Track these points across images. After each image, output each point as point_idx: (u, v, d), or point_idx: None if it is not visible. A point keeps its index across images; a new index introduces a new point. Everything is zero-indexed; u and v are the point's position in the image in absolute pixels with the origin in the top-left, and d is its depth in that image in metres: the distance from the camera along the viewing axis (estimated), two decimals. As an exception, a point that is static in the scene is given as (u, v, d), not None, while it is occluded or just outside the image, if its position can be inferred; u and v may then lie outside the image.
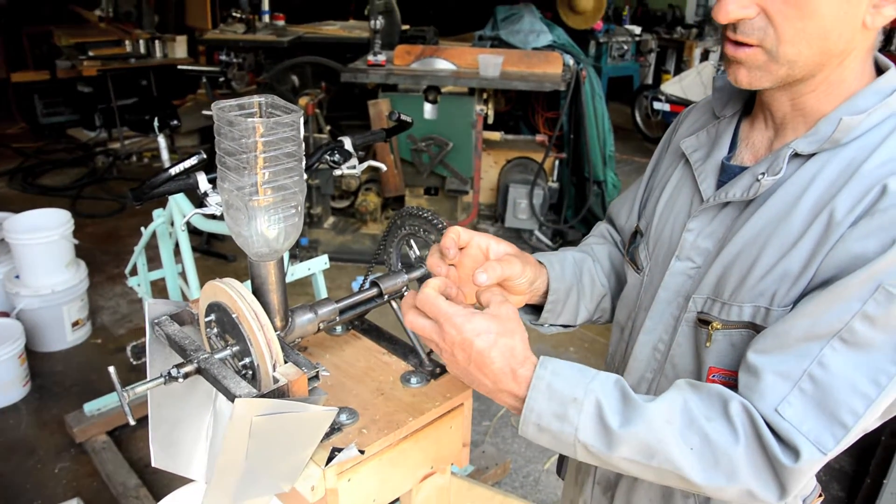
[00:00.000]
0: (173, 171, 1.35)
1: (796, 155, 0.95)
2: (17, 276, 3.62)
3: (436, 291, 1.00)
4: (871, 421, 0.86)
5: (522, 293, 1.19)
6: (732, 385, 0.97)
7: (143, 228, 2.87)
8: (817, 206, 0.91)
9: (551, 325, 1.31)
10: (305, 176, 1.14)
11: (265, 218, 1.11)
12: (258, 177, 1.07)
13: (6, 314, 3.62)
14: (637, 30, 8.01)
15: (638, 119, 7.54)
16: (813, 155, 0.95)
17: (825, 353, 0.85)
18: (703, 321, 1.04)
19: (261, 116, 1.12)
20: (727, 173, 1.06)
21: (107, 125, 6.84)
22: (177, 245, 2.75)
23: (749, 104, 1.11)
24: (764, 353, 0.90)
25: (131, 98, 6.84)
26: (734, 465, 0.87)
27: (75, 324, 3.75)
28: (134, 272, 3.14)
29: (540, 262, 1.22)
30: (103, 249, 4.83)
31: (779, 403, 0.86)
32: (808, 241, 0.91)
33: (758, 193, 0.97)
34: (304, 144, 1.10)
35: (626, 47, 7.75)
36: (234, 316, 1.14)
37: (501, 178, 4.75)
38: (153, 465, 1.32)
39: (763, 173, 0.97)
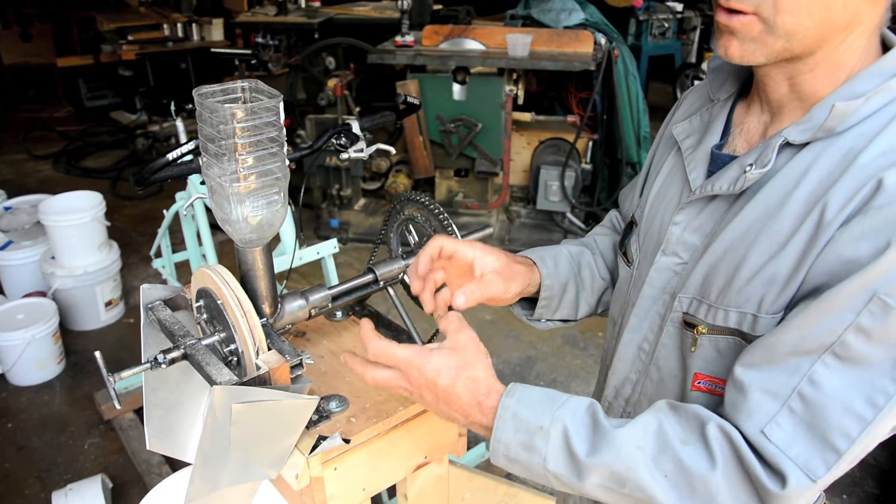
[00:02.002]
0: (170, 156, 1.34)
1: (788, 144, 0.87)
2: (53, 257, 3.70)
3: (385, 340, 0.97)
4: (868, 444, 0.78)
5: (510, 302, 1.18)
6: (720, 393, 0.92)
7: (165, 211, 2.90)
8: (809, 201, 0.83)
9: (548, 320, 1.28)
10: (288, 162, 1.13)
11: (248, 204, 1.10)
12: (238, 163, 1.06)
13: (42, 293, 3.71)
14: (679, 6, 7.79)
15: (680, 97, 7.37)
16: (807, 144, 0.86)
17: (817, 369, 0.78)
18: (688, 323, 0.98)
19: (244, 102, 1.11)
20: (717, 162, 0.99)
21: (147, 108, 6.95)
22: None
23: (747, 86, 1.04)
24: (751, 367, 0.83)
25: (170, 80, 6.93)
26: (711, 492, 0.81)
27: (108, 303, 3.83)
28: (159, 254, 3.18)
29: (533, 260, 1.20)
30: (140, 231, 4.92)
31: (766, 424, 0.80)
32: (797, 241, 0.83)
33: (744, 187, 0.90)
34: (284, 130, 1.08)
35: (667, 25, 7.55)
36: (219, 302, 1.14)
37: (534, 160, 4.69)
38: (148, 448, 1.33)
39: (751, 164, 0.89)
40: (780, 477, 0.78)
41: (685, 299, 0.98)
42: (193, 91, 1.09)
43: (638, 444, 0.84)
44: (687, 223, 1.00)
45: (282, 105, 1.08)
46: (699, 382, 0.98)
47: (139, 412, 3.07)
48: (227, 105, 1.04)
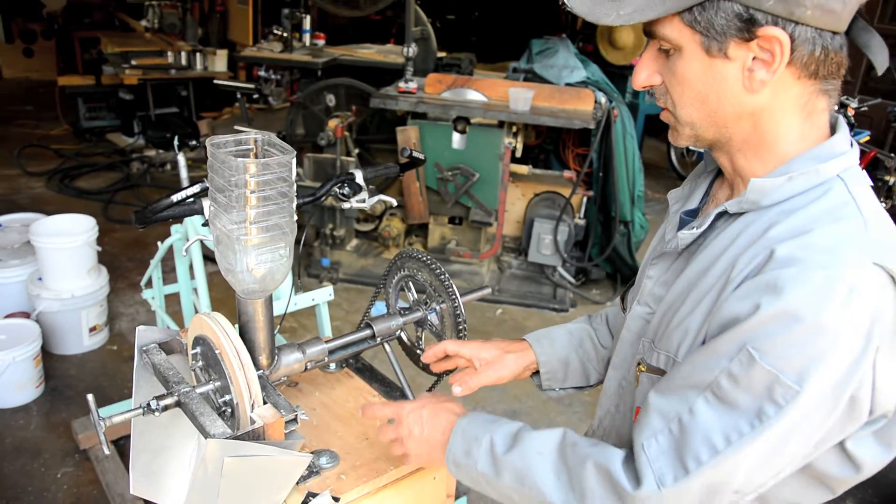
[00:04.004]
0: (175, 197, 1.35)
1: (728, 214, 0.99)
2: (40, 279, 3.67)
3: (380, 405, 1.24)
4: (722, 471, 0.87)
5: (508, 381, 1.36)
6: None
7: (159, 243, 2.89)
8: (729, 264, 0.93)
9: (561, 388, 1.41)
10: (296, 217, 1.14)
11: (253, 256, 1.10)
12: (248, 215, 1.06)
13: (26, 314, 3.67)
14: (677, 68, 7.94)
15: (673, 158, 7.47)
16: (742, 215, 0.97)
17: (698, 401, 0.89)
18: (639, 363, 1.10)
19: (256, 154, 1.12)
20: (683, 225, 1.10)
21: (149, 140, 6.97)
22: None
23: None
24: (658, 392, 0.95)
25: (170, 107, 6.96)
26: (585, 489, 0.95)
27: (93, 329, 3.79)
28: (150, 284, 3.16)
29: (529, 342, 1.39)
30: (129, 256, 4.89)
31: (647, 439, 0.92)
32: (710, 298, 0.94)
33: (680, 246, 1.04)
34: (295, 185, 1.09)
35: (664, 85, 7.69)
36: (216, 352, 1.13)
37: (528, 212, 4.73)
38: (131, 491, 1.32)
39: (695, 227, 1.02)
40: (637, 481, 0.91)
41: (646, 342, 1.09)
42: (207, 141, 1.10)
43: (539, 450, 1.02)
44: (658, 277, 1.11)
45: (294, 161, 1.09)
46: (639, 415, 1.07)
47: (116, 442, 3.02)
48: (240, 159, 1.05)
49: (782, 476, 0.90)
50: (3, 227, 4.08)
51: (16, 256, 3.85)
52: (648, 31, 0.95)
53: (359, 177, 1.77)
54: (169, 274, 3.27)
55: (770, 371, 0.83)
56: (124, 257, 4.87)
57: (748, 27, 0.87)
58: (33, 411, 3.33)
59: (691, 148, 1.21)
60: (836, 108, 0.98)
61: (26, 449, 3.08)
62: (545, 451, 1.01)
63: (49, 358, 3.63)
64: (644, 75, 0.98)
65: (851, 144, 0.97)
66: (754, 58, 0.89)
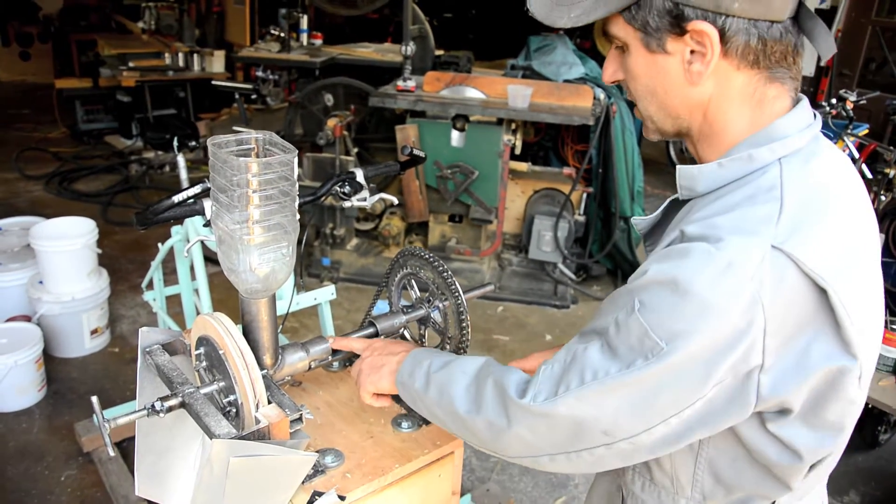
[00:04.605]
0: (176, 198, 1.34)
1: (679, 201, 1.06)
2: (41, 282, 3.67)
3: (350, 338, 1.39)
4: (590, 408, 0.93)
5: None
6: None
7: (160, 245, 2.89)
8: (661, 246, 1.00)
9: None
10: (298, 216, 1.13)
11: (256, 256, 1.10)
12: (250, 215, 1.06)
13: (27, 318, 3.67)
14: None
15: (672, 153, 7.48)
16: (688, 201, 1.03)
17: (594, 344, 0.96)
18: None
19: (258, 154, 1.12)
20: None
21: (148, 141, 6.96)
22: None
23: None
24: (578, 333, 1.03)
25: (168, 109, 6.95)
26: (482, 398, 1.05)
27: (94, 332, 3.79)
28: (151, 286, 3.16)
29: None
30: (129, 258, 4.89)
31: (547, 363, 1.01)
32: None
33: (640, 232, 1.16)
34: (297, 184, 1.09)
35: (662, 81, 7.69)
36: (220, 352, 1.13)
37: (528, 209, 4.72)
38: (137, 493, 1.31)
39: (650, 215, 1.14)
40: (522, 393, 1.00)
41: None
42: (208, 141, 1.10)
43: (463, 369, 1.12)
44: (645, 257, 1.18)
45: (296, 160, 1.09)
46: None
47: (119, 444, 3.02)
48: (242, 159, 1.05)
49: (658, 435, 0.92)
50: (2, 231, 4.08)
51: (16, 260, 3.85)
52: (604, 31, 1.00)
53: (359, 175, 1.77)
54: (170, 275, 3.26)
55: (643, 325, 0.89)
56: (124, 259, 4.87)
57: (678, 22, 0.91)
58: (36, 415, 3.33)
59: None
60: (796, 92, 0.99)
61: (30, 452, 3.08)
62: (467, 370, 1.11)
63: (51, 361, 3.63)
64: (609, 71, 1.04)
65: (811, 125, 0.98)
66: (692, 51, 0.93)
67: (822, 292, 0.86)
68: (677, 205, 1.07)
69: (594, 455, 0.96)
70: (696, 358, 0.86)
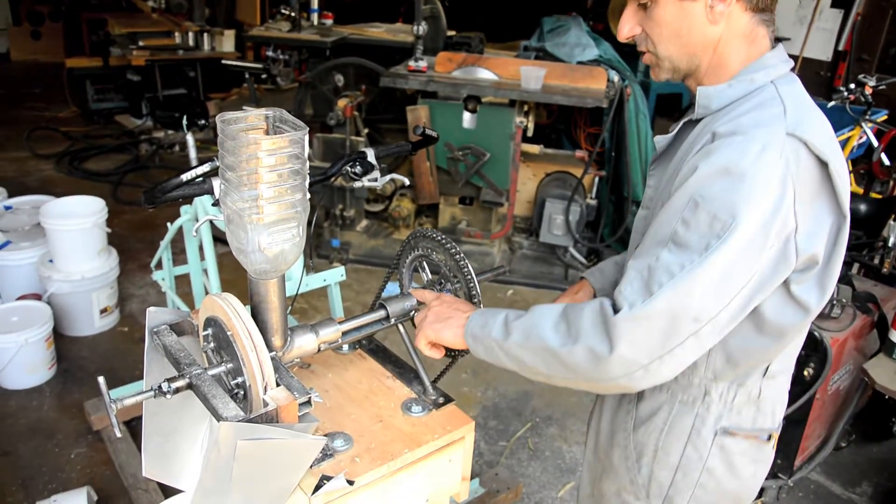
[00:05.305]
0: (185, 177, 1.32)
1: (692, 121, 1.26)
2: (51, 261, 3.67)
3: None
4: (679, 295, 1.07)
5: None
6: None
7: (169, 224, 2.87)
8: (688, 155, 1.18)
9: None
10: (308, 195, 1.11)
11: (266, 235, 1.08)
12: (259, 193, 1.04)
13: (37, 296, 3.67)
14: (689, 47, 7.84)
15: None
16: (701, 120, 1.23)
17: (663, 251, 1.11)
18: None
19: (268, 131, 1.09)
20: None
21: (157, 120, 6.94)
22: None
23: None
24: (633, 258, 1.17)
25: (178, 88, 6.92)
26: (580, 328, 1.14)
27: (104, 311, 3.79)
28: (160, 266, 3.15)
29: (583, 276, 1.63)
30: (139, 237, 4.88)
31: (624, 285, 1.13)
32: (676, 181, 1.17)
33: (658, 151, 1.35)
34: (307, 162, 1.06)
35: (676, 64, 7.60)
36: (228, 333, 1.11)
37: (539, 192, 4.68)
38: (144, 474, 1.30)
39: (669, 132, 1.33)
40: (616, 309, 1.12)
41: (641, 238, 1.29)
42: (217, 117, 1.07)
43: (543, 313, 1.21)
44: (654, 185, 1.35)
45: (307, 138, 1.06)
46: None
47: (128, 423, 3.02)
48: (251, 135, 1.02)
49: (733, 309, 1.10)
50: (13, 210, 4.07)
51: (26, 238, 3.85)
52: None
53: (371, 155, 1.74)
54: (179, 255, 3.25)
55: (710, 212, 1.07)
56: (134, 239, 4.87)
57: None
58: (46, 392, 3.34)
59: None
60: (773, 34, 1.23)
61: (40, 430, 3.09)
62: (547, 313, 1.21)
63: (61, 339, 3.64)
64: (627, 27, 1.26)
65: (787, 61, 1.23)
66: None
67: (824, 165, 1.10)
68: (689, 126, 1.27)
69: (684, 349, 1.10)
70: (756, 225, 1.05)
